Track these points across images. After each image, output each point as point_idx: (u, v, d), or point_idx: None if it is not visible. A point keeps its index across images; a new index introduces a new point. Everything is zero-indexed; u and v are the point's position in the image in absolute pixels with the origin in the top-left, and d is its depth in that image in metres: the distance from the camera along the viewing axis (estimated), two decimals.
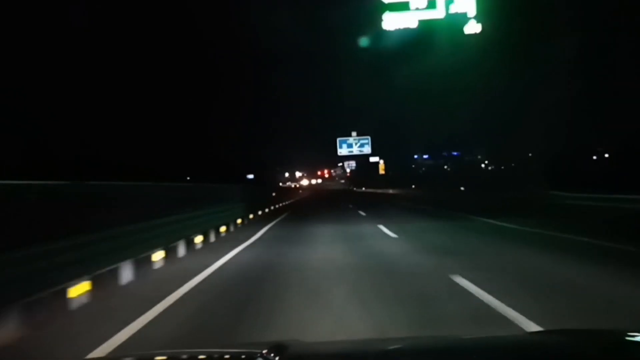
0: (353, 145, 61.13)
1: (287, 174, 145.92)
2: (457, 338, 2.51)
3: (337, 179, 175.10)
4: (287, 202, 30.29)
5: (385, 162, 66.54)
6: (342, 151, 61.36)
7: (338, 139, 61.25)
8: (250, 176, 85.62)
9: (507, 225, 12.64)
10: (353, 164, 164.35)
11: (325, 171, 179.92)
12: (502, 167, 65.29)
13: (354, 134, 61.27)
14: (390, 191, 53.58)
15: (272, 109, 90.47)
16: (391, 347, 2.09)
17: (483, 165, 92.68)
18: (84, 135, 34.76)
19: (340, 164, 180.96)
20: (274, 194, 25.41)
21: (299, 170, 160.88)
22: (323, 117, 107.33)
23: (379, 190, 62.05)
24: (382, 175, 67.41)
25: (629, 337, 1.80)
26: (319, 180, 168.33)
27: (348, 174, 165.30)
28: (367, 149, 61.44)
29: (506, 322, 4.10)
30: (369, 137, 61.40)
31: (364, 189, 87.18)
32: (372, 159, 65.89)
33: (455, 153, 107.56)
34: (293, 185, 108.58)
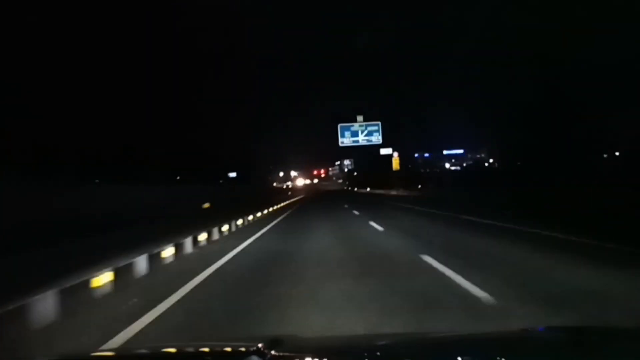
0: (359, 134, 47.19)
1: (281, 174, 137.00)
2: (453, 334, 2.58)
3: (334, 178, 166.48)
4: (248, 221, 16.22)
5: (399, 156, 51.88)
6: (345, 141, 47.38)
7: (340, 126, 47.30)
8: (233, 174, 71.99)
9: None
10: (349, 162, 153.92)
11: (322, 170, 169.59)
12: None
13: (359, 118, 47.37)
14: (416, 193, 39.37)
15: (264, 96, 76.94)
16: (387, 343, 2.10)
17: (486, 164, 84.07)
18: None
19: (338, 163, 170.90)
20: (204, 205, 11.29)
21: (294, 170, 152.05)
22: (323, 103, 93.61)
23: (393, 192, 47.99)
24: (396, 172, 53.03)
25: (622, 333, 1.96)
26: (315, 180, 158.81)
27: (346, 173, 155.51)
28: (376, 138, 47.48)
29: None
30: (379, 123, 47.50)
31: (368, 189, 73.05)
32: (384, 151, 51.48)
33: (459, 151, 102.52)
34: (284, 186, 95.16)
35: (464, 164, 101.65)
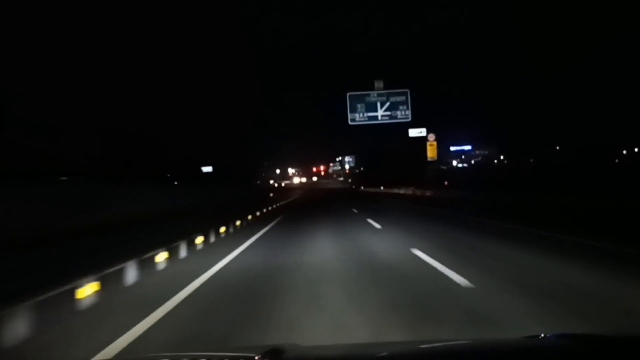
0: (377, 107, 32.10)
1: (278, 171, 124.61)
2: (456, 342, 2.54)
3: (334, 176, 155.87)
4: None
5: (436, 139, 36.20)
6: (357, 117, 32.28)
7: (349, 95, 32.19)
8: (208, 169, 56.44)
9: None
10: (351, 159, 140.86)
11: (322, 167, 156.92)
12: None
13: (378, 84, 32.27)
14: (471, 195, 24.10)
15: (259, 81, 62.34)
16: (389, 352, 2.00)
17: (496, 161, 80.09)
18: None
19: (338, 159, 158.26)
20: None
21: (292, 167, 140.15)
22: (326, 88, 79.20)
23: (429, 192, 32.80)
24: (432, 162, 37.81)
25: (627, 341, 1.82)
26: (314, 178, 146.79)
27: (347, 171, 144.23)
28: (402, 114, 32.36)
29: None
30: (407, 91, 32.44)
31: (382, 188, 57.98)
32: (413, 132, 35.95)
33: (467, 147, 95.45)
34: (276, 184, 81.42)
35: (472, 161, 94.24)
